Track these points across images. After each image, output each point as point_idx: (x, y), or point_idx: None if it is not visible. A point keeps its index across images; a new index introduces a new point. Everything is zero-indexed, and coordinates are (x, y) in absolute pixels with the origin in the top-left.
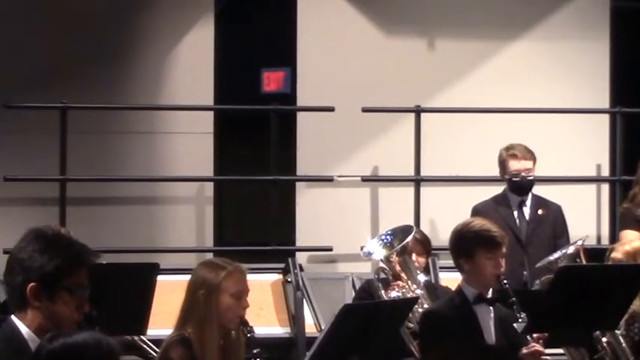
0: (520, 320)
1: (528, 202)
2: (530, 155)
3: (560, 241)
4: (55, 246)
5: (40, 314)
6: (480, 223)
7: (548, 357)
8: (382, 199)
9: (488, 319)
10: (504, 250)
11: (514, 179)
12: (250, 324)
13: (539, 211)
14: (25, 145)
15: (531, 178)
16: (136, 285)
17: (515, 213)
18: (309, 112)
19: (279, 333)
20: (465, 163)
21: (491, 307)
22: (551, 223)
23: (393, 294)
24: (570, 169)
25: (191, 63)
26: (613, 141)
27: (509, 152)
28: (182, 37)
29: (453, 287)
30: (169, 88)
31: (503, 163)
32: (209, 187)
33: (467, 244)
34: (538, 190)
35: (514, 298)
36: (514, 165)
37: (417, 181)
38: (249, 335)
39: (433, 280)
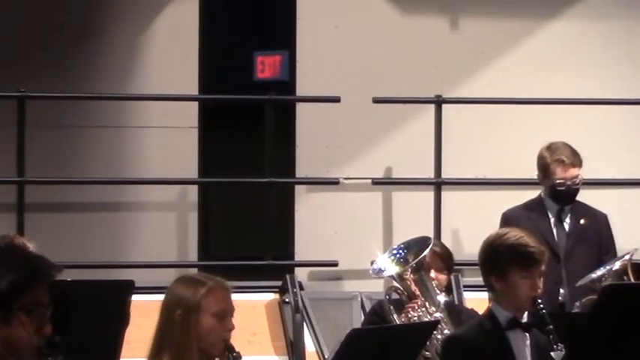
0: (558, 348)
1: (569, 210)
2: (577, 160)
3: (607, 257)
4: (9, 259)
5: None
6: (515, 235)
7: None
8: (396, 205)
9: (523, 347)
10: (543, 268)
11: (559, 188)
12: (238, 350)
13: (582, 221)
14: None
15: (577, 186)
16: (107, 306)
17: (553, 222)
18: (311, 102)
19: None
20: (494, 164)
21: (527, 334)
22: (596, 236)
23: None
24: (618, 171)
25: (171, 45)
26: None
27: (555, 157)
28: (160, 14)
29: (479, 308)
30: (146, 74)
31: (545, 168)
32: (193, 190)
33: (499, 260)
34: (583, 195)
35: (551, 326)
36: (560, 173)
37: (438, 184)
38: None
39: (456, 301)
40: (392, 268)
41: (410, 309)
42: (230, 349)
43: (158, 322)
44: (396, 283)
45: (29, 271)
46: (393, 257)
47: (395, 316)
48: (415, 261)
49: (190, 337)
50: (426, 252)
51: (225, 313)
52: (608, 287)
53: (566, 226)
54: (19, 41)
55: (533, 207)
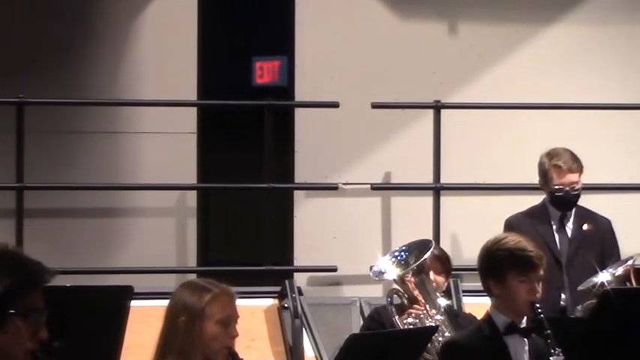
0: (556, 353)
1: (571, 216)
2: (576, 166)
3: (610, 262)
4: (3, 265)
5: None
6: (513, 240)
7: None
8: (395, 210)
9: (522, 352)
10: (541, 272)
11: (557, 194)
12: (242, 357)
13: (584, 227)
14: None
15: (576, 192)
16: (105, 311)
17: (555, 227)
18: (310, 108)
19: None
20: (493, 169)
21: (525, 339)
22: (598, 241)
23: (410, 320)
24: (619, 176)
25: (170, 50)
26: None
27: (553, 162)
28: (159, 19)
29: (478, 313)
30: (145, 80)
31: (544, 174)
32: (192, 196)
33: (497, 265)
34: (583, 200)
35: (549, 331)
36: (557, 179)
37: (437, 189)
38: None
39: (455, 306)
40: (393, 271)
41: (411, 312)
42: (234, 355)
43: (162, 327)
44: (396, 286)
45: (24, 276)
46: (393, 259)
47: (397, 319)
48: (416, 264)
49: (194, 343)
50: (428, 254)
51: (230, 320)
52: (609, 292)
53: (569, 232)
54: (17, 48)
55: (536, 213)
